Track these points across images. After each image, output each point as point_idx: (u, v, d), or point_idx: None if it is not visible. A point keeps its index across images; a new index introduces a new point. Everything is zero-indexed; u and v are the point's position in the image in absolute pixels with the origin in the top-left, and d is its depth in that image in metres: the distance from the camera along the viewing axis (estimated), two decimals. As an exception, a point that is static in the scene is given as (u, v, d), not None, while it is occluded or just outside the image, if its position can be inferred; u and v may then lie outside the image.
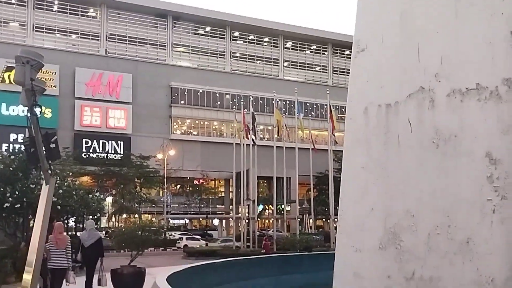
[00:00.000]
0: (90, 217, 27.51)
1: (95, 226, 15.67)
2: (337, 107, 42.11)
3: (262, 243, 35.57)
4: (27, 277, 8.20)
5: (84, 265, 14.17)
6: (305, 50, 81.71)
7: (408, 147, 6.47)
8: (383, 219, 6.55)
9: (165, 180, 58.55)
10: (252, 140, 38.87)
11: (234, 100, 66.98)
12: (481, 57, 6.03)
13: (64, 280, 12.49)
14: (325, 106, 53.53)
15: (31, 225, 21.46)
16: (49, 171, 7.20)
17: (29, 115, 6.48)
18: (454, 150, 6.09)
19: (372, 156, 6.81)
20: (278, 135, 39.66)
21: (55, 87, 61.32)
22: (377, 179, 6.72)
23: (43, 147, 6.73)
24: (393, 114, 6.59)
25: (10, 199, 20.91)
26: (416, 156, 6.39)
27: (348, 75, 7.35)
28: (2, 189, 21.28)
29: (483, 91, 5.94)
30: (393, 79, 6.69)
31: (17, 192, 21.28)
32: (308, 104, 69.81)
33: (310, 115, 60.61)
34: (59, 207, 22.12)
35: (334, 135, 39.58)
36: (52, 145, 6.78)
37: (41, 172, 7.82)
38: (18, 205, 20.99)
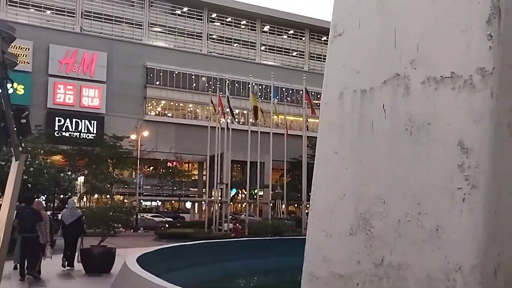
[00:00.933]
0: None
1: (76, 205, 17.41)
2: (313, 93, 42.20)
3: (232, 227, 35.69)
4: (-7, 254, 8.07)
5: (65, 242, 15.11)
6: (282, 35, 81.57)
7: (382, 133, 6.49)
8: (354, 204, 6.57)
9: (138, 161, 58.16)
10: (228, 122, 38.70)
11: (210, 82, 66.78)
12: (456, 45, 6.05)
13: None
14: (301, 92, 53.65)
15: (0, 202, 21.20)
16: (20, 147, 7.07)
17: (-1, 88, 6.35)
18: (427, 137, 6.12)
19: (345, 141, 6.82)
20: (256, 120, 39.54)
21: (28, 63, 60.42)
22: (349, 165, 6.73)
23: (14, 122, 6.61)
24: (368, 100, 6.59)
25: (-21, 175, 20.61)
26: (389, 143, 6.41)
27: (325, 61, 7.32)
28: (-30, 165, 20.99)
29: (457, 80, 5.97)
30: (369, 65, 6.68)
31: (-14, 169, 21.01)
32: (284, 89, 69.85)
33: (285, 100, 60.56)
34: (29, 185, 21.89)
35: (308, 119, 39.68)
36: (23, 121, 6.65)
37: (12, 149, 7.68)
38: (-13, 182, 20.69)
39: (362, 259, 6.36)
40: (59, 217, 17.69)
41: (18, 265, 13.86)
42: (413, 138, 6.27)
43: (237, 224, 36.11)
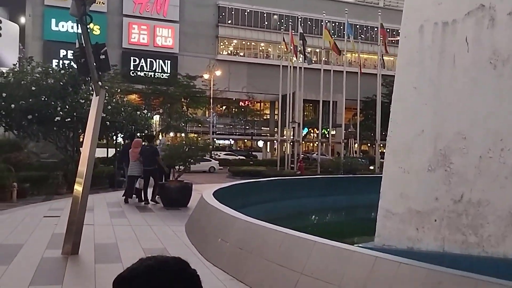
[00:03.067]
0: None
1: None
2: (388, 30, 40.91)
3: (297, 165, 35.90)
4: (78, 188, 8.47)
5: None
6: (357, -30, 79.03)
7: (464, 67, 6.28)
8: (433, 140, 6.46)
9: (211, 100, 58.92)
10: (305, 57, 38.22)
11: (282, 20, 65.84)
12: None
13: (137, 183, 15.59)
14: (375, 29, 52.25)
15: (81, 139, 22.09)
16: (99, 82, 7.28)
17: (79, 25, 6.50)
18: (512, 71, 5.89)
19: (425, 76, 6.65)
20: (340, 55, 38.89)
21: (104, 3, 61.46)
22: (429, 100, 6.59)
23: (93, 58, 6.78)
24: (449, 33, 6.37)
25: (61, 113, 21.46)
26: (471, 78, 6.21)
27: (403, -5, 7.07)
28: (53, 103, 21.82)
29: (548, 10, 5.66)
30: (452, -4, 6.43)
31: (67, 107, 21.82)
32: (357, 27, 68.16)
33: (359, 38, 59.17)
34: (107, 122, 22.60)
35: (384, 55, 38.73)
36: (102, 56, 6.82)
37: (91, 87, 7.92)
38: (69, 119, 21.55)
39: (440, 196, 6.30)
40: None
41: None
42: (498, 72, 6.05)
43: (302, 162, 36.24)
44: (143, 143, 16.19)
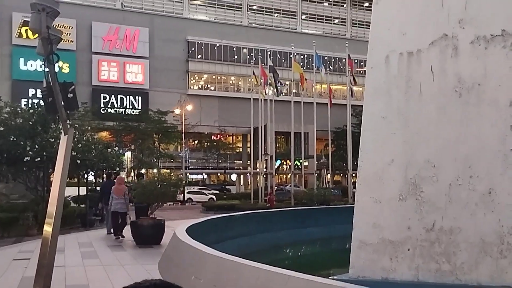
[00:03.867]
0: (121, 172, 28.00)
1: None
2: (356, 61, 41.54)
3: (267, 197, 35.86)
4: (47, 229, 8.27)
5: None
6: (323, 2, 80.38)
7: (430, 96, 6.36)
8: (403, 169, 6.49)
9: (183, 135, 58.76)
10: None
11: (252, 54, 66.43)
12: (506, 2, 5.84)
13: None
14: (344, 60, 52.91)
15: (51, 179, 21.77)
16: (68, 121, 7.18)
17: (46, 64, 6.43)
18: (477, 98, 5.97)
19: (392, 106, 6.72)
20: (302, 88, 39.24)
21: (72, 41, 61.29)
22: (397, 129, 6.64)
23: (61, 97, 6.69)
24: (415, 63, 6.46)
25: (30, 153, 21.16)
26: (438, 105, 6.28)
27: (368, 28, 7.17)
28: (22, 143, 21.52)
29: (508, 38, 5.78)
30: (416, 26, 6.53)
31: (36, 146, 21.51)
32: (326, 58, 69.02)
33: (328, 69, 59.94)
34: (78, 161, 22.34)
35: (352, 86, 39.21)
36: (70, 95, 6.73)
37: (60, 126, 7.81)
38: (38, 159, 21.24)
39: (412, 225, 6.31)
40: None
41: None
42: (463, 100, 6.13)
43: (272, 195, 36.27)
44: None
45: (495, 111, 5.85)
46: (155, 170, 53.57)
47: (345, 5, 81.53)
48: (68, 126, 7.42)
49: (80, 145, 23.35)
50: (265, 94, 40.12)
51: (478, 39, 5.99)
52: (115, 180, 17.96)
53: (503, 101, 5.78)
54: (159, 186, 15.16)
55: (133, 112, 63.93)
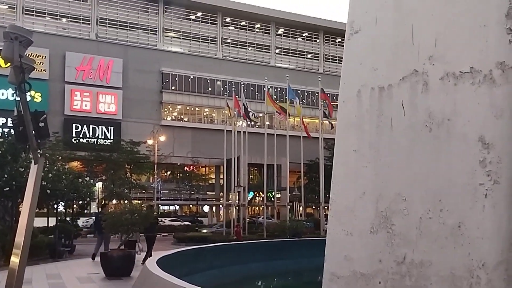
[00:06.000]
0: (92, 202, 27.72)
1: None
2: (328, 94, 41.95)
3: (235, 230, 35.72)
4: (14, 259, 8.10)
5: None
6: (296, 37, 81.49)
7: (401, 130, 6.44)
8: (374, 202, 6.53)
9: (156, 166, 58.47)
10: (249, 120, 38.61)
11: (225, 86, 66.83)
12: (475, 40, 5.98)
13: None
14: (316, 94, 53.45)
15: (20, 209, 21.39)
16: (38, 151, 7.11)
17: (17, 93, 6.38)
18: (447, 134, 6.06)
19: (364, 139, 6.77)
20: (286, 119, 39.41)
21: (45, 71, 60.96)
22: (369, 162, 6.69)
23: (32, 126, 6.64)
24: (386, 97, 6.55)
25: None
26: (408, 140, 6.36)
27: (340, 63, 7.32)
28: (-10, 172, 21.17)
29: (477, 75, 5.90)
30: (387, 62, 6.64)
31: (6, 176, 21.17)
32: (299, 92, 69.62)
33: (301, 103, 60.44)
34: (48, 191, 22.02)
35: (329, 118, 39.55)
36: (41, 124, 6.68)
37: (31, 155, 7.72)
38: (7, 189, 20.88)
39: (383, 258, 6.32)
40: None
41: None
42: (433, 135, 6.21)
43: (239, 227, 36.14)
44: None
45: (464, 146, 5.94)
46: (126, 201, 53.02)
47: (318, 40, 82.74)
48: (39, 155, 7.35)
49: (50, 175, 23.04)
50: (239, 125, 40.25)
51: (448, 75, 6.12)
52: None
53: (472, 136, 5.88)
54: (129, 216, 15.00)
55: (105, 142, 63.51)
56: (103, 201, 47.33)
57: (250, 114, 38.96)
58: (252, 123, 39.01)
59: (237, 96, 41.18)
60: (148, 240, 19.05)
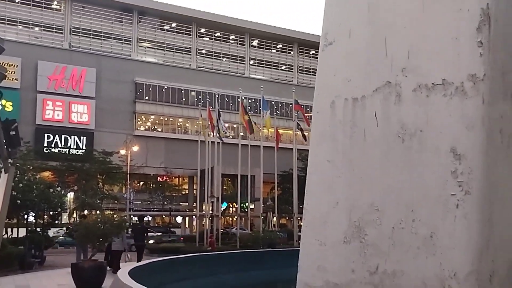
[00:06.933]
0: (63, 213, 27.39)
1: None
2: (303, 106, 42.19)
3: (209, 241, 35.64)
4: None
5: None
6: (271, 49, 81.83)
7: (374, 141, 6.49)
8: (348, 212, 6.56)
9: (128, 176, 57.95)
10: (218, 137, 38.69)
11: (200, 97, 66.71)
12: (447, 52, 6.08)
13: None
14: (290, 105, 53.60)
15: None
16: (9, 160, 7.01)
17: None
18: (419, 145, 6.13)
19: (338, 150, 6.82)
20: (252, 133, 39.36)
21: (17, 80, 60.12)
22: (342, 173, 6.73)
23: (2, 134, 6.54)
24: (359, 108, 6.61)
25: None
26: (381, 151, 6.41)
27: (314, 75, 7.37)
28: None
29: (448, 87, 5.99)
30: (361, 73, 6.70)
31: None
32: (273, 103, 69.84)
33: (275, 114, 60.75)
34: (19, 201, 21.68)
35: (303, 129, 39.65)
36: (12, 133, 6.59)
37: (0, 164, 7.60)
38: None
39: (356, 268, 6.35)
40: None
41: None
42: (406, 146, 6.29)
43: (213, 237, 36.04)
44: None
45: (436, 157, 6.02)
46: (98, 212, 52.46)
47: (292, 52, 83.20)
48: (9, 164, 7.24)
49: (21, 185, 22.69)
50: (213, 136, 40.18)
51: (420, 87, 6.20)
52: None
53: (444, 147, 5.96)
54: (101, 227, 14.84)
55: (77, 152, 62.85)
56: (80, 211, 46.75)
57: (222, 128, 38.80)
58: (221, 137, 38.84)
59: (211, 107, 41.15)
60: (138, 249, 19.87)
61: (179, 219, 72.59)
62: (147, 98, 70.45)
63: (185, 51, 75.48)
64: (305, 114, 39.64)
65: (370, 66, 6.68)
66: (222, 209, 52.94)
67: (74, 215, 54.11)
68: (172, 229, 60.84)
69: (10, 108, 56.28)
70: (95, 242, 14.92)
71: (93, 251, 15.17)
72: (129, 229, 23.05)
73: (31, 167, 34.20)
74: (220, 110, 40.36)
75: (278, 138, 41.56)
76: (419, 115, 6.18)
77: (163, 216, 72.73)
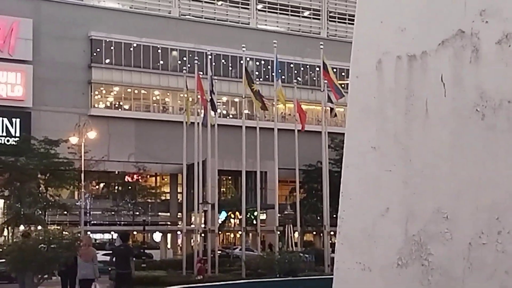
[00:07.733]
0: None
1: None
2: (335, 69, 41.89)
3: (197, 267, 35.89)
4: None
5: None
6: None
7: (441, 118, 6.48)
8: (403, 222, 6.57)
9: (83, 175, 58.18)
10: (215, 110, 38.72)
11: (185, 58, 66.88)
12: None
13: None
14: (317, 69, 53.57)
15: None
16: None
17: None
18: (508, 122, 6.12)
19: (388, 132, 6.81)
20: (263, 110, 39.36)
21: None
22: (395, 165, 6.72)
23: None
24: (419, 70, 6.59)
25: None
26: (452, 132, 6.41)
27: (351, 23, 7.37)
28: None
29: (549, 36, 5.98)
30: (420, 20, 6.69)
31: None
32: (292, 66, 69.95)
33: (295, 82, 60.54)
34: None
35: (331, 107, 39.58)
36: None
37: None
38: None
39: (417, 302, 6.37)
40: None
41: None
42: (487, 124, 6.26)
43: (202, 263, 36.29)
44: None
45: (532, 139, 6.02)
46: (39, 227, 52.83)
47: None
48: None
49: None
50: (203, 115, 40.12)
51: (508, 37, 6.17)
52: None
53: (543, 125, 5.95)
54: (45, 249, 14.95)
55: (8, 141, 63.20)
56: (13, 227, 47.06)
57: (215, 105, 38.87)
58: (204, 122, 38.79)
59: (201, 73, 41.13)
60: (120, 279, 19.84)
61: (157, 236, 72.92)
62: (107, 61, 70.58)
63: (163, -8, 75.57)
64: (340, 82, 39.57)
65: (434, 9, 6.67)
66: (220, 221, 53.14)
67: (6, 233, 54.44)
68: (147, 251, 61.14)
69: None
70: (37, 272, 15.04)
71: (34, 283, 15.29)
72: (109, 252, 23.94)
73: None
74: (215, 78, 40.39)
75: (301, 117, 41.42)
76: (507, 79, 6.17)
77: (134, 233, 73.09)
